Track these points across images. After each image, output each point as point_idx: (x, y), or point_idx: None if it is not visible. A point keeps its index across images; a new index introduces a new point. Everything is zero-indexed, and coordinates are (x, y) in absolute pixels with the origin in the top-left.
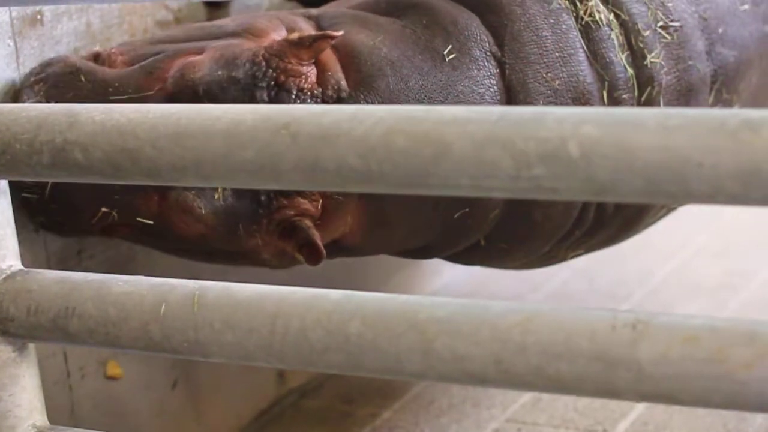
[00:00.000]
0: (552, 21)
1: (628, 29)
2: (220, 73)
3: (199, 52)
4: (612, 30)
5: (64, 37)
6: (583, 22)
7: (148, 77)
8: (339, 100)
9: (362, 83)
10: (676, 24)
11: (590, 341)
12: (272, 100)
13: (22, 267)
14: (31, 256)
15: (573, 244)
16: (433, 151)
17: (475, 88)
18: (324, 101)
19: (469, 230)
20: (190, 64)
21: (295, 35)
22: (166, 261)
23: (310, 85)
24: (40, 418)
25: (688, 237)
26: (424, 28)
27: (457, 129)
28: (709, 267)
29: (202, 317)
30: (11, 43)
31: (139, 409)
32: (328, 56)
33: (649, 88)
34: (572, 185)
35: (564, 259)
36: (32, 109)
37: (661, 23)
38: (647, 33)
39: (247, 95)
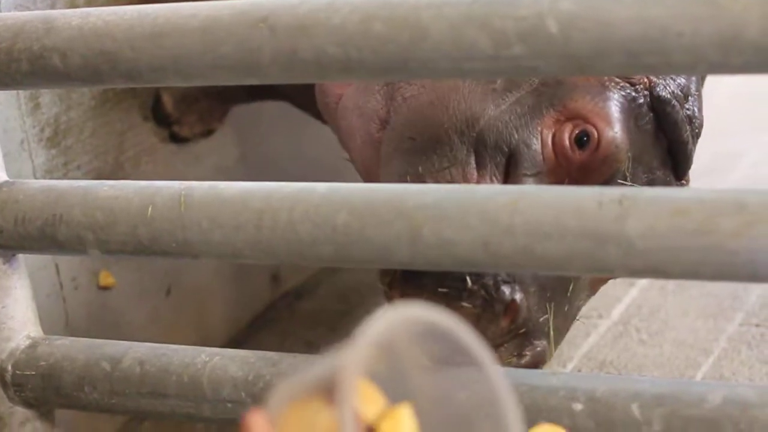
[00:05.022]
0: None
1: None
2: None
3: None
4: None
5: None
6: None
7: None
8: None
9: None
10: None
11: (578, 219)
12: None
13: (7, 178)
14: (16, 169)
15: None
16: (411, 36)
17: None
18: None
19: None
20: None
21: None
22: (154, 169)
23: None
24: (34, 329)
25: None
26: None
27: (434, 12)
28: (697, 151)
29: (189, 217)
30: None
31: (133, 317)
32: None
33: None
34: (552, 62)
35: None
36: (9, 18)
37: None
38: None
39: None
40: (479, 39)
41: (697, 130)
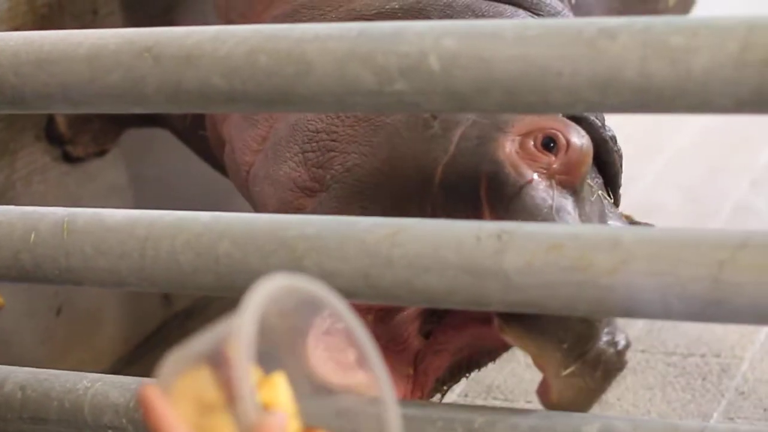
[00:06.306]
0: None
1: None
2: None
3: None
4: None
5: None
6: None
7: None
8: None
9: None
10: None
11: (457, 253)
12: None
13: None
14: None
15: None
16: (296, 69)
17: None
18: None
19: None
20: None
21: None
22: (45, 189)
23: None
24: None
25: None
26: None
27: (318, 46)
28: None
29: (72, 244)
30: None
31: (23, 337)
32: None
33: None
34: (433, 99)
35: None
36: None
37: None
38: None
39: None
40: (362, 74)
41: (619, 153)
